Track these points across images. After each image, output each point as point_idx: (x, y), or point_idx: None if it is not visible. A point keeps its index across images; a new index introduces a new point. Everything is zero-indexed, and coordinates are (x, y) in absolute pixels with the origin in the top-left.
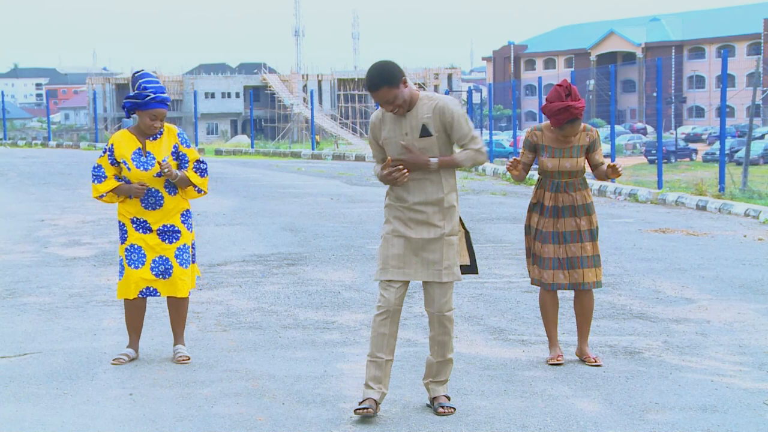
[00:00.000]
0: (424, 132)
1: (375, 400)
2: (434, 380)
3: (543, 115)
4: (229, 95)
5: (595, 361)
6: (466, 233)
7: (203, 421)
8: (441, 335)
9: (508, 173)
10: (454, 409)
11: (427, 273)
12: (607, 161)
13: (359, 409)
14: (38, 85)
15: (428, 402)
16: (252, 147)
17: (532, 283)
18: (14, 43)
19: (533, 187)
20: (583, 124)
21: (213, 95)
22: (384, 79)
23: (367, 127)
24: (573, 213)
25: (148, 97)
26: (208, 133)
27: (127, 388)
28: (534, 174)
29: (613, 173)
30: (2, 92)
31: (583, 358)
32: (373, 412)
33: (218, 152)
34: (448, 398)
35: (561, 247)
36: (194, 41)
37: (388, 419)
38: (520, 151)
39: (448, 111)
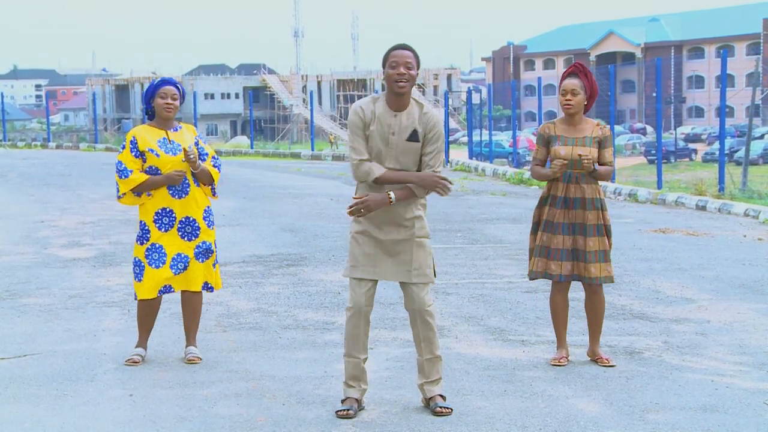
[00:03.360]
0: (414, 136)
1: (356, 399)
2: (427, 381)
3: (542, 115)
4: (228, 96)
5: (608, 362)
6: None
7: (203, 422)
8: (425, 331)
9: (507, 173)
10: (451, 409)
11: (398, 273)
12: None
13: (341, 410)
14: (38, 86)
15: (425, 403)
16: (252, 148)
17: (531, 278)
18: (14, 45)
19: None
20: (596, 120)
21: (212, 96)
22: (414, 50)
23: None
24: (582, 205)
25: (155, 82)
26: (207, 134)
27: (127, 389)
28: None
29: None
30: (2, 93)
31: (595, 359)
32: (354, 414)
33: (218, 153)
34: (444, 398)
35: (569, 238)
36: (193, 42)
37: (388, 419)
38: (534, 148)
39: (435, 125)
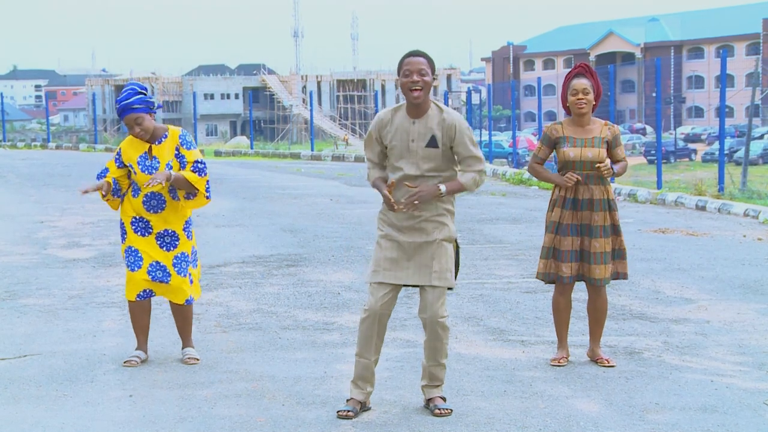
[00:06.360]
0: (432, 143)
1: (360, 401)
2: (429, 384)
3: (542, 115)
4: (228, 96)
5: (608, 362)
6: (457, 248)
7: (203, 423)
8: (433, 341)
9: (506, 173)
10: (451, 410)
11: (419, 276)
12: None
13: (342, 410)
14: (37, 86)
15: (425, 404)
16: (251, 148)
17: (540, 278)
18: (13, 45)
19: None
20: (604, 120)
21: (212, 96)
22: (427, 55)
23: (366, 128)
24: (590, 207)
25: (120, 111)
26: (207, 135)
27: (127, 390)
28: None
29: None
30: (1, 94)
31: (595, 359)
32: (354, 415)
33: (218, 153)
34: (444, 399)
35: (578, 239)
36: (193, 42)
37: (388, 420)
38: (537, 146)
39: (456, 128)
